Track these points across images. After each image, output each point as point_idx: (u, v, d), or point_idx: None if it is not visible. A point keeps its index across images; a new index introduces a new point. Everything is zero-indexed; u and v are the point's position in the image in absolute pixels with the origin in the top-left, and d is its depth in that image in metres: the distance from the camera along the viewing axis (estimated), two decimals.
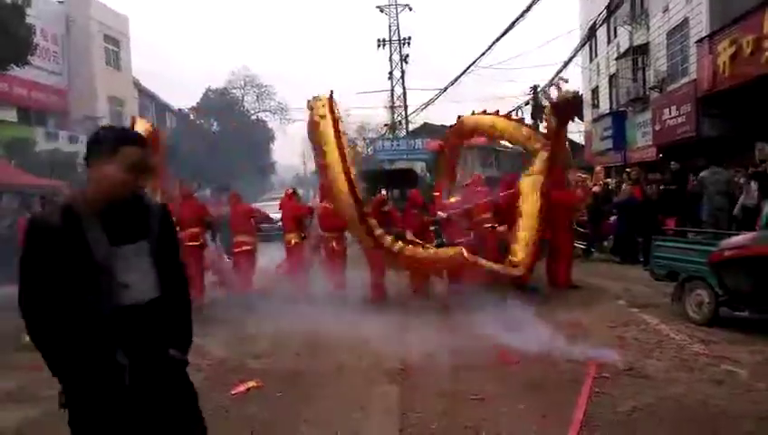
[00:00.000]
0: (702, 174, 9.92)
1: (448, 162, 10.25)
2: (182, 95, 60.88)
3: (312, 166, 57.13)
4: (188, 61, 72.26)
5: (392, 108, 34.10)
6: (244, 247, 8.57)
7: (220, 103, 37.16)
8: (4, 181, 14.76)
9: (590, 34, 22.48)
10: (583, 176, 13.82)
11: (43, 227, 1.92)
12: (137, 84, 28.61)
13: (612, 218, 11.98)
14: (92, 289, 1.91)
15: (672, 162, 11.66)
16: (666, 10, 16.94)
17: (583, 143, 26.07)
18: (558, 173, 9.06)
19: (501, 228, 8.87)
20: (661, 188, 11.37)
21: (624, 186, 12.79)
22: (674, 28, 16.61)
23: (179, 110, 35.50)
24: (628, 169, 15.39)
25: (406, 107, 33.36)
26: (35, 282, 1.91)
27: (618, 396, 4.23)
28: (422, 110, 32.58)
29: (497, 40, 21.59)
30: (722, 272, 5.76)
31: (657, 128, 16.75)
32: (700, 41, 14.18)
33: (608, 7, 19.52)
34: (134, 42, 28.02)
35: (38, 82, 21.49)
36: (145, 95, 30.24)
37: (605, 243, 12.37)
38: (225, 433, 3.96)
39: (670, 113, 15.78)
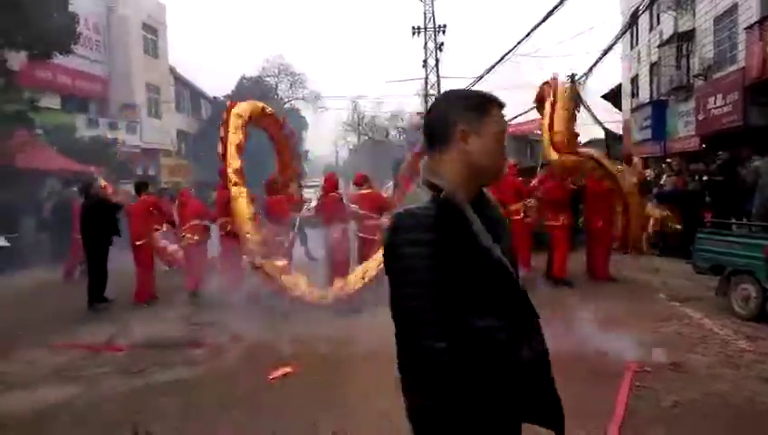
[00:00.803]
0: (756, 163, 9.46)
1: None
2: (217, 83, 61.64)
3: (343, 154, 57.60)
4: (223, 49, 73.14)
5: (426, 96, 33.81)
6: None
7: (254, 91, 37.51)
8: (48, 166, 15.25)
9: (632, 21, 21.78)
10: (620, 167, 13.45)
11: (429, 219, 1.42)
12: (173, 72, 29.08)
13: None
14: (501, 301, 1.50)
15: (720, 152, 11.21)
16: None
17: (621, 133, 25.41)
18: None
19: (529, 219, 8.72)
20: (704, 179, 10.97)
21: (664, 177, 12.41)
22: (722, 14, 15.96)
23: (214, 98, 35.99)
24: (668, 160, 14.94)
25: None
26: (433, 297, 1.40)
27: (660, 391, 4.12)
28: None
29: (535, 28, 20.86)
30: None
31: (701, 117, 16.17)
32: (750, 27, 13.59)
33: None
34: (171, 30, 28.50)
35: (81, 71, 22.03)
36: (180, 83, 30.72)
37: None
38: (257, 417, 4.02)
39: (715, 102, 15.21)
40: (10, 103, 13.23)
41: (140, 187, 8.58)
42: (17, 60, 14.58)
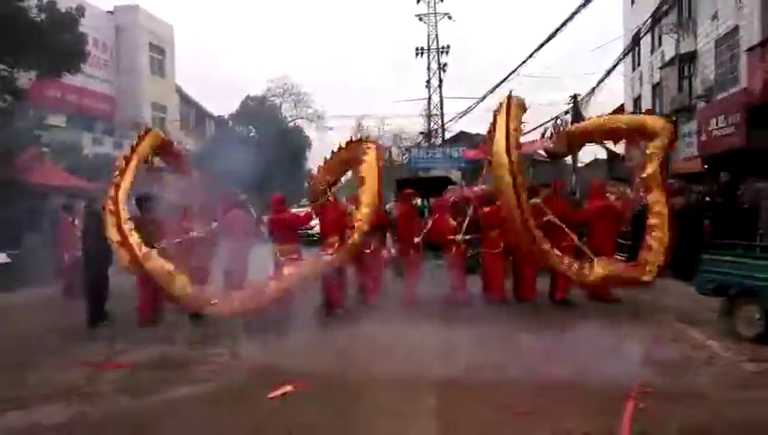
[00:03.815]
0: (758, 185, 9.46)
1: None
2: (222, 102, 61.70)
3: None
4: (229, 68, 73.71)
5: (429, 116, 34.08)
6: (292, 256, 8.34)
7: (259, 110, 37.78)
8: (54, 183, 15.36)
9: (634, 43, 22.02)
10: (622, 189, 13.40)
11: None
12: (178, 91, 29.37)
13: None
14: None
15: (722, 172, 11.20)
16: (714, 17, 16.44)
17: (624, 153, 25.44)
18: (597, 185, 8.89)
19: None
20: (707, 200, 10.97)
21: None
22: (723, 36, 16.10)
23: (219, 116, 36.26)
24: (670, 181, 14.90)
25: (443, 115, 33.33)
26: None
27: (666, 414, 4.07)
28: (459, 118, 32.45)
29: (537, 49, 21.34)
30: None
31: (704, 138, 16.22)
32: (751, 49, 13.70)
33: (653, 15, 19.06)
34: (177, 49, 28.81)
35: (87, 89, 22.29)
36: (185, 102, 31.00)
37: None
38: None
39: (717, 123, 15.25)
40: (18, 120, 13.39)
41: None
42: (26, 78, 14.77)
